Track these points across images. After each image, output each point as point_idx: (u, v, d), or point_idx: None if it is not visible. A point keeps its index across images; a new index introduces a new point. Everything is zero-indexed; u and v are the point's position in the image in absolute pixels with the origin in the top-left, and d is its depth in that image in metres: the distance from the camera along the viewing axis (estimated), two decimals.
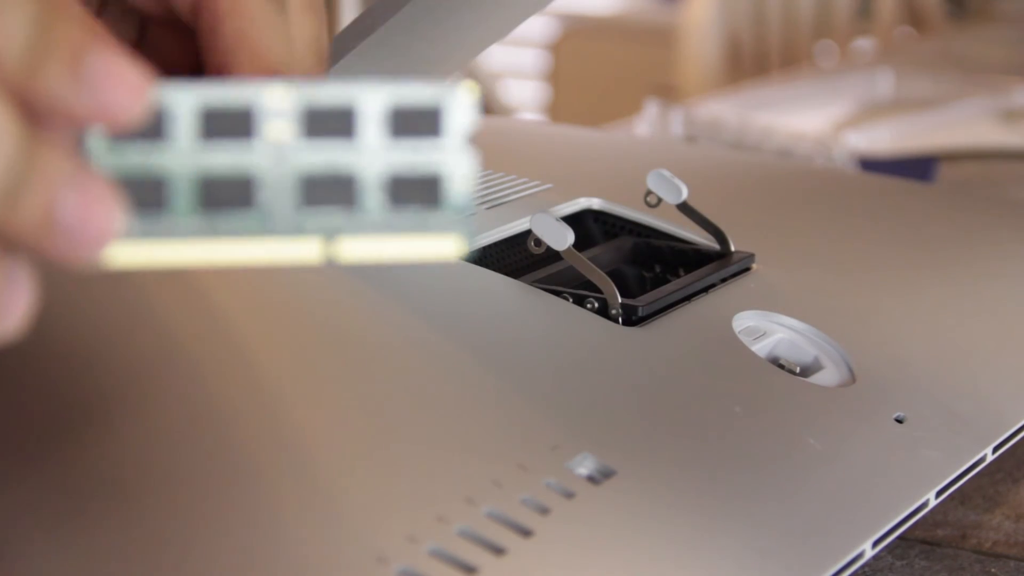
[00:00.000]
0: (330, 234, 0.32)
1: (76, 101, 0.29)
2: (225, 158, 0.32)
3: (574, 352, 0.53)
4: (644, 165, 0.62)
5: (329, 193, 0.32)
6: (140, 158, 0.32)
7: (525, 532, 0.43)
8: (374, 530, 0.42)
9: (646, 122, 1.27)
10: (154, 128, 0.31)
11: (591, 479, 0.46)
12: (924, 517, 0.52)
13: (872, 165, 1.13)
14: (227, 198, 0.32)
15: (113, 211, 0.30)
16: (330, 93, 0.32)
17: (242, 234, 0.32)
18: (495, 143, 0.74)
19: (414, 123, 0.32)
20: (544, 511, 0.44)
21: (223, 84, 0.32)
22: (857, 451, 0.52)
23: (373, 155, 0.32)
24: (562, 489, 0.45)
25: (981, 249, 0.70)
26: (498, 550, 0.42)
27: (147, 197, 0.32)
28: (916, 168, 1.13)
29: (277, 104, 0.32)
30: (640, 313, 0.55)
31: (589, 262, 0.56)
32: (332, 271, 0.54)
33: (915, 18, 2.13)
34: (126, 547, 0.40)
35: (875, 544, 0.48)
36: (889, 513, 0.49)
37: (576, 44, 2.81)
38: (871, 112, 1.38)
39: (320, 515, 0.42)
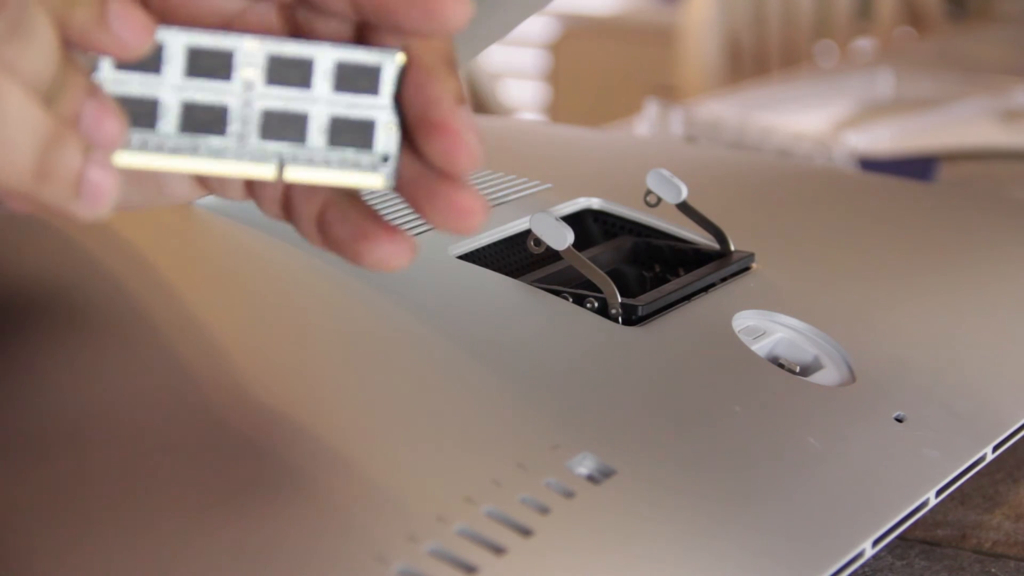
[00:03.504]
0: (282, 161, 0.40)
1: (98, 35, 0.37)
2: (206, 92, 0.39)
3: (574, 352, 0.53)
4: (644, 165, 0.62)
5: (284, 129, 0.39)
6: (139, 86, 0.39)
7: (525, 532, 0.43)
8: (374, 530, 0.42)
9: (646, 122, 1.27)
10: (153, 62, 0.39)
11: (591, 479, 0.46)
12: (924, 517, 0.52)
13: (872, 165, 1.13)
14: (205, 125, 0.39)
15: (120, 122, 0.38)
16: (292, 49, 0.39)
17: (215, 156, 0.40)
18: (495, 143, 0.74)
19: (355, 80, 0.39)
20: (544, 511, 0.44)
21: (210, 32, 0.39)
22: (857, 451, 0.52)
23: (320, 102, 0.40)
24: (562, 489, 0.45)
25: (981, 249, 0.70)
26: (498, 550, 0.42)
27: (142, 118, 0.39)
28: (916, 168, 1.13)
29: (252, 52, 0.39)
30: (640, 313, 0.55)
31: (589, 262, 0.56)
32: (333, 273, 0.54)
33: (915, 18, 2.13)
34: (123, 547, 0.40)
35: (875, 544, 0.48)
36: (889, 513, 0.49)
37: (576, 44, 2.81)
38: (871, 112, 1.38)
39: (320, 514, 0.42)
